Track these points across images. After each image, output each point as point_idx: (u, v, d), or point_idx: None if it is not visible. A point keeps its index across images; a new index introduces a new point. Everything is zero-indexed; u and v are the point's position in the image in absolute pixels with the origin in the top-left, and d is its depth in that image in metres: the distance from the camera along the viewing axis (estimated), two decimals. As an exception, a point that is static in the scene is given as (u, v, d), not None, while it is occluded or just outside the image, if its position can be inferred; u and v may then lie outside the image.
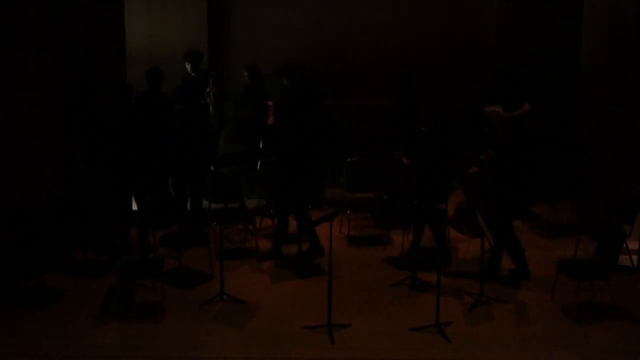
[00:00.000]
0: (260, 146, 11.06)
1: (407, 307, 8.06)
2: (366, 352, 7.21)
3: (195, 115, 9.92)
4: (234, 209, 9.66)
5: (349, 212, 9.84)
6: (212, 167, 10.03)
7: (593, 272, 7.92)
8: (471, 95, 11.10)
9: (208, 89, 10.99)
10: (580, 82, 10.84)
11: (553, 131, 11.25)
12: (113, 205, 9.09)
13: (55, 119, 9.23)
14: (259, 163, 10.84)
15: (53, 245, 8.43)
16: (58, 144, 9.23)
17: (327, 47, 11.84)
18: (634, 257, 8.81)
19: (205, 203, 9.81)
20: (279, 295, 8.37)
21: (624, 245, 8.25)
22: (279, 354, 7.18)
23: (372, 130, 10.85)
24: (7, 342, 7.34)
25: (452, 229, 9.31)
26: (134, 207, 9.55)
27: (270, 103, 10.99)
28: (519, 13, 11.46)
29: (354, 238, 9.80)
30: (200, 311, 7.95)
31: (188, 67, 11.10)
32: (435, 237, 9.00)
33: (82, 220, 8.96)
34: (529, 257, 8.95)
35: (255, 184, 10.60)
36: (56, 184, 9.07)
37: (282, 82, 10.96)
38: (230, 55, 11.98)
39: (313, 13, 11.91)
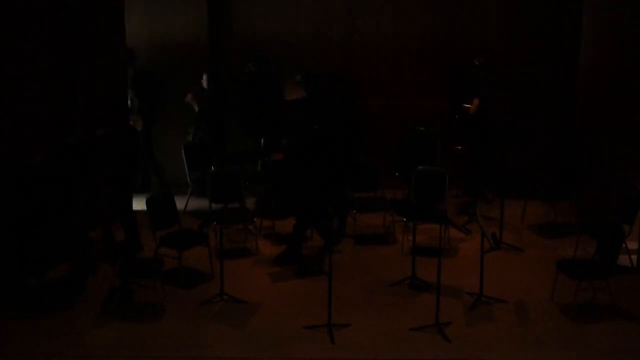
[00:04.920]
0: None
1: (407, 307, 8.06)
2: (366, 352, 7.21)
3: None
4: (234, 209, 9.65)
5: (354, 211, 9.78)
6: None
7: (593, 272, 7.92)
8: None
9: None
10: (580, 82, 10.83)
11: (553, 131, 11.25)
12: (114, 203, 9.10)
13: (55, 117, 9.22)
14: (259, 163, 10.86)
15: (53, 245, 8.42)
16: (58, 143, 9.21)
17: (329, 42, 11.80)
18: (634, 257, 8.80)
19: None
20: (279, 295, 8.37)
21: (624, 245, 8.25)
22: (279, 354, 7.19)
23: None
24: (7, 342, 7.35)
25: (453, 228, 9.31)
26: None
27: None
28: (518, 14, 11.43)
29: (354, 238, 9.79)
30: (200, 311, 7.95)
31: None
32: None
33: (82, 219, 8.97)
34: (528, 256, 8.92)
35: (255, 184, 10.61)
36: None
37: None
38: (231, 50, 11.94)
39: (315, 9, 11.87)
